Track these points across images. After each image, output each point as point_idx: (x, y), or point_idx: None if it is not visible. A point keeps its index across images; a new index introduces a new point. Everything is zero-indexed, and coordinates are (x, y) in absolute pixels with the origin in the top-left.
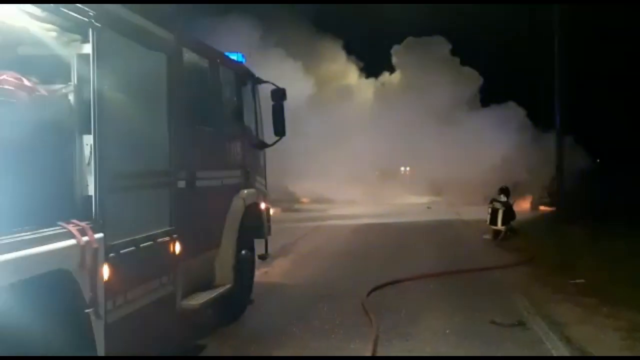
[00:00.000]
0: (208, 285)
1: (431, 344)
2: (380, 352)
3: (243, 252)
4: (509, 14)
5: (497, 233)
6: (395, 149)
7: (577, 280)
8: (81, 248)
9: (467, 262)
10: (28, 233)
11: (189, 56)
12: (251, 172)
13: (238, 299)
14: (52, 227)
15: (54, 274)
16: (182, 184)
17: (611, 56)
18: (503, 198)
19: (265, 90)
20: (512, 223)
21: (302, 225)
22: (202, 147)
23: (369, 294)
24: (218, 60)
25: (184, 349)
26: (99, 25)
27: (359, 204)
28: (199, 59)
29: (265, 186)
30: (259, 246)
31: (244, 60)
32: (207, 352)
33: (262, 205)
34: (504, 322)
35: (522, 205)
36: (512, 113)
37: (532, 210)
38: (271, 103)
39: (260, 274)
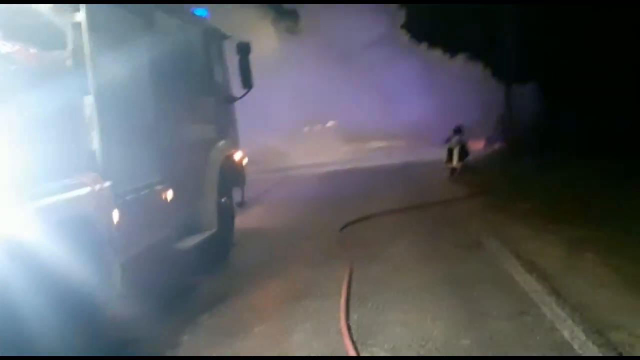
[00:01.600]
0: (195, 230)
1: (401, 264)
2: (356, 276)
3: (223, 199)
4: None
5: (453, 170)
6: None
7: (524, 205)
8: (95, 195)
9: (428, 197)
10: (52, 183)
11: (163, 18)
12: (224, 124)
13: (222, 242)
14: (68, 177)
15: (77, 217)
16: (167, 138)
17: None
18: (457, 137)
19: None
20: (467, 159)
21: (269, 176)
22: (181, 104)
23: (341, 229)
24: (189, 20)
25: (180, 287)
26: None
27: (318, 154)
28: (172, 19)
29: (237, 136)
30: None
31: (207, 16)
32: (199, 289)
33: (237, 156)
34: (463, 244)
35: (477, 145)
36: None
37: (485, 148)
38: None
39: (238, 221)
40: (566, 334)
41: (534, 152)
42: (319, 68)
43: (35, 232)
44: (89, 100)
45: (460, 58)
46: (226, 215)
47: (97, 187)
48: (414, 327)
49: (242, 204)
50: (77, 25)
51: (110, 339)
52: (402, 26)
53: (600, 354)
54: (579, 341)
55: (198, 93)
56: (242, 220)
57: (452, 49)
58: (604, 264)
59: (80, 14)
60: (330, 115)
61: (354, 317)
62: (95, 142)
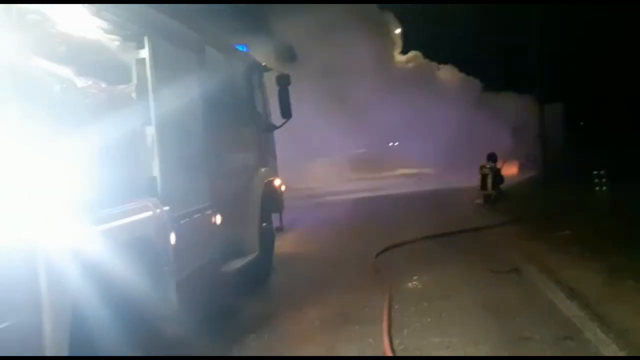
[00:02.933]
0: (239, 254)
1: (439, 290)
2: (397, 301)
3: (264, 224)
4: None
5: (487, 197)
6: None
7: (563, 233)
8: (156, 219)
9: (462, 224)
10: (119, 207)
11: (211, 52)
12: (265, 152)
13: (263, 266)
14: (132, 202)
15: (140, 239)
16: (216, 165)
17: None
18: (491, 164)
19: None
20: (501, 186)
21: (302, 203)
22: (228, 133)
23: (377, 255)
24: (233, 54)
25: (226, 309)
26: (153, 33)
27: (350, 181)
28: (219, 53)
29: (276, 164)
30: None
31: (248, 50)
32: (244, 310)
33: (277, 183)
34: (501, 270)
35: (510, 171)
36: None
37: (519, 175)
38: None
39: (276, 246)
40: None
41: (567, 179)
42: (342, 100)
43: (104, 252)
44: (151, 131)
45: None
46: (267, 239)
47: (158, 211)
48: (458, 350)
49: (280, 229)
50: (141, 61)
51: (164, 352)
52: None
53: None
54: None
55: (242, 122)
56: (280, 245)
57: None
58: None
59: (145, 50)
60: (358, 143)
61: (396, 341)
62: (155, 169)
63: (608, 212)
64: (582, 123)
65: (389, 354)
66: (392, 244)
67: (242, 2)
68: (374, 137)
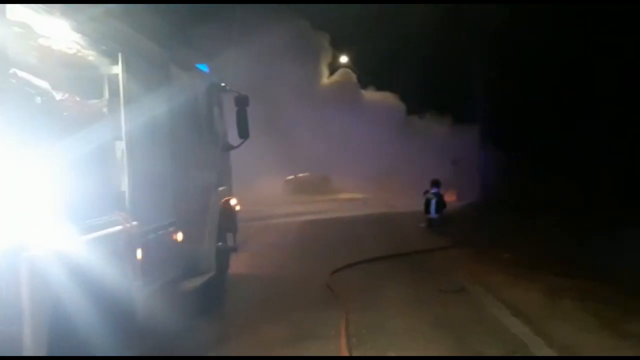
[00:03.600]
0: (197, 272)
1: (392, 308)
2: (350, 319)
3: (219, 243)
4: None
5: (431, 221)
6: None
7: (504, 255)
8: (125, 233)
9: (409, 246)
10: (90, 219)
11: (176, 71)
12: (223, 172)
13: (218, 285)
14: (103, 216)
15: (109, 252)
16: (179, 183)
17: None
18: (435, 189)
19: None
20: (444, 211)
21: (248, 224)
22: (190, 151)
23: (332, 274)
24: (196, 74)
25: (185, 327)
26: (126, 50)
27: (294, 204)
28: (183, 72)
29: (231, 184)
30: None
31: (207, 70)
32: (202, 329)
33: (232, 202)
34: (449, 290)
35: (450, 197)
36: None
37: (458, 202)
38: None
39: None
40: None
41: (505, 206)
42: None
43: (73, 265)
44: (121, 145)
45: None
46: (222, 259)
47: (127, 225)
48: None
49: (234, 250)
50: (114, 77)
51: None
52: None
53: None
54: None
55: (203, 141)
56: (233, 265)
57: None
58: (582, 309)
59: (118, 67)
60: (301, 167)
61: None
62: (124, 183)
63: (543, 237)
64: (515, 154)
65: None
66: (344, 264)
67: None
68: (316, 162)
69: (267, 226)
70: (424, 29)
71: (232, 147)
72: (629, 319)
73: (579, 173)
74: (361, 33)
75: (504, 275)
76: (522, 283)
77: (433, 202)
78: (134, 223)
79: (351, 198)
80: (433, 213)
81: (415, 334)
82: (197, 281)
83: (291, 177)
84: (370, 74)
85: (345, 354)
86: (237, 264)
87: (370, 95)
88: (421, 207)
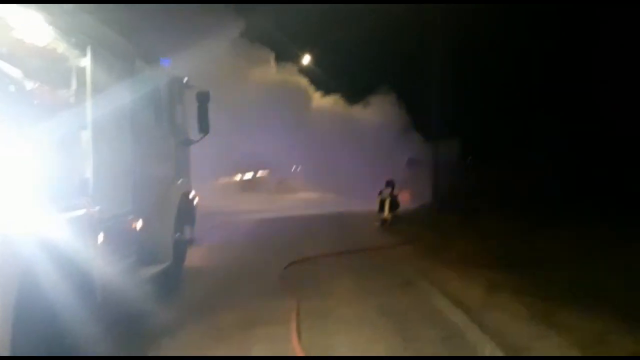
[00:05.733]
0: (154, 261)
1: (342, 299)
2: (302, 308)
3: (177, 235)
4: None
5: (384, 220)
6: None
7: (451, 252)
8: (88, 217)
9: (361, 244)
10: (57, 203)
11: (140, 64)
12: (182, 165)
13: (174, 275)
14: (69, 200)
15: (72, 235)
16: (140, 172)
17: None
18: (389, 189)
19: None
20: (397, 211)
21: (206, 219)
22: (152, 143)
23: (285, 267)
24: (159, 68)
25: (140, 313)
26: (95, 42)
27: (252, 202)
28: (147, 67)
29: (190, 177)
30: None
31: (170, 65)
32: (158, 315)
33: (191, 195)
34: (396, 282)
35: (405, 197)
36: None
37: (411, 202)
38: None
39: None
40: (487, 353)
41: (455, 207)
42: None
43: (36, 246)
44: (87, 134)
45: (389, 114)
46: (179, 250)
47: (91, 210)
48: (357, 349)
49: (191, 242)
50: (82, 69)
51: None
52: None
53: None
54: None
55: (163, 134)
56: (190, 259)
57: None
58: (517, 302)
59: (86, 59)
60: (258, 164)
61: (304, 341)
62: (88, 170)
63: (489, 236)
64: (470, 158)
65: (298, 351)
66: (298, 258)
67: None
68: (276, 161)
69: (225, 222)
70: (382, 31)
71: (192, 142)
72: (559, 311)
73: (530, 172)
74: (323, 35)
75: (449, 271)
76: (465, 278)
77: (387, 201)
78: (97, 208)
79: (308, 198)
80: (386, 212)
81: (362, 321)
82: (154, 269)
83: (249, 176)
84: (331, 76)
85: (295, 337)
86: (195, 257)
87: (324, 98)
88: (376, 206)
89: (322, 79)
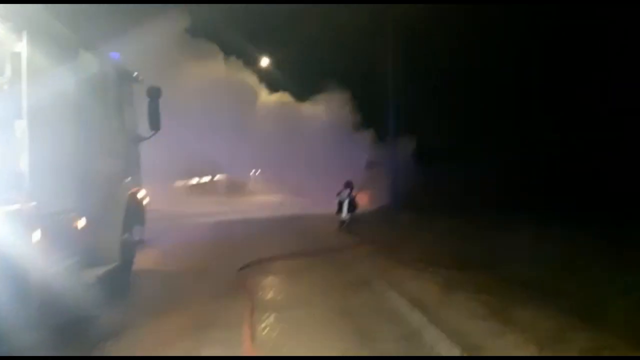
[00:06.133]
0: (99, 262)
1: (299, 300)
2: (259, 310)
3: (125, 235)
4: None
5: (343, 221)
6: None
7: (409, 252)
8: (23, 213)
9: (319, 245)
10: None
11: (84, 54)
12: (131, 162)
13: (122, 277)
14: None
15: (6, 230)
16: (83, 168)
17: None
18: (347, 191)
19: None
20: (356, 212)
21: (159, 222)
22: (97, 138)
23: (240, 269)
24: (107, 61)
25: (85, 315)
26: (32, 29)
27: (210, 204)
28: (92, 56)
29: (141, 176)
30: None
31: (120, 59)
32: (103, 318)
33: (141, 194)
34: (353, 282)
35: (364, 199)
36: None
37: (370, 203)
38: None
39: (136, 260)
40: (443, 352)
41: (413, 208)
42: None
43: None
44: (21, 124)
45: (343, 113)
46: (128, 251)
47: (26, 205)
48: (315, 349)
49: (141, 243)
50: (17, 55)
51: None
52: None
53: None
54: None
55: (111, 129)
56: (142, 261)
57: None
58: (473, 299)
59: (21, 44)
60: (216, 168)
61: (258, 343)
62: (24, 163)
63: (446, 235)
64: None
65: (251, 353)
66: (255, 260)
67: None
68: (234, 164)
69: (180, 225)
70: (336, 32)
71: (142, 139)
72: (514, 309)
73: (488, 175)
74: (275, 32)
75: (406, 270)
76: (422, 277)
77: (345, 203)
78: (33, 204)
79: (267, 200)
80: (345, 213)
81: (319, 321)
82: (99, 271)
83: (206, 179)
84: (283, 74)
85: (249, 340)
86: (147, 259)
87: (274, 96)
88: (335, 208)
89: (273, 77)
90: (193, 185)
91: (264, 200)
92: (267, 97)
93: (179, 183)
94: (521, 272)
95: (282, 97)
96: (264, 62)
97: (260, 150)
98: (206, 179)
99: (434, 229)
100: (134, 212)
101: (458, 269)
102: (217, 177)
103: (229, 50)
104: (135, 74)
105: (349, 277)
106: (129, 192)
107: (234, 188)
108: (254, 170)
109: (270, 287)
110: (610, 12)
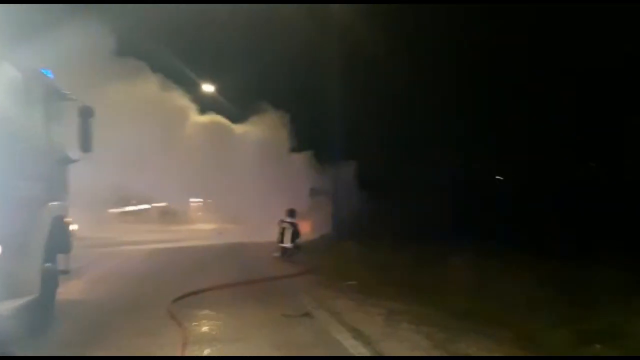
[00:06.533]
0: (16, 293)
1: (237, 333)
2: (192, 343)
3: (48, 264)
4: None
5: (285, 250)
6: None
7: (350, 282)
8: None
9: (259, 274)
10: None
11: (10, 71)
12: (57, 186)
13: (43, 310)
14: None
15: None
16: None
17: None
18: (290, 219)
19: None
20: (298, 241)
21: (90, 251)
22: (17, 158)
23: (174, 301)
24: (34, 77)
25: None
26: None
27: (147, 232)
28: (19, 74)
29: (68, 201)
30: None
31: (51, 76)
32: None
33: (67, 220)
34: (294, 314)
35: (306, 227)
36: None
37: (312, 232)
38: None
39: (61, 291)
40: None
41: (357, 237)
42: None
43: None
44: None
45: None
46: (49, 281)
47: None
48: None
49: (66, 272)
50: None
51: None
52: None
53: None
54: None
55: (33, 149)
56: (66, 291)
57: None
58: (416, 332)
59: None
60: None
61: None
62: None
63: (388, 265)
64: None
65: None
66: (189, 291)
67: None
68: (173, 191)
69: (113, 253)
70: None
71: (71, 160)
72: (458, 340)
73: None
74: (224, 61)
75: (348, 301)
76: (364, 308)
77: (287, 231)
78: None
79: (207, 229)
80: (287, 242)
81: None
82: (16, 303)
83: (144, 207)
84: (238, 105)
85: None
86: (73, 290)
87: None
88: (276, 236)
89: (206, 97)
90: (129, 213)
91: (203, 229)
92: (198, 118)
93: (115, 210)
94: (465, 300)
95: (214, 119)
96: (198, 81)
97: (197, 176)
98: (143, 206)
99: (376, 259)
100: (58, 238)
101: (401, 298)
102: (155, 204)
103: (158, 68)
104: (67, 92)
105: (289, 308)
106: (53, 217)
107: (172, 216)
108: (193, 198)
109: (206, 320)
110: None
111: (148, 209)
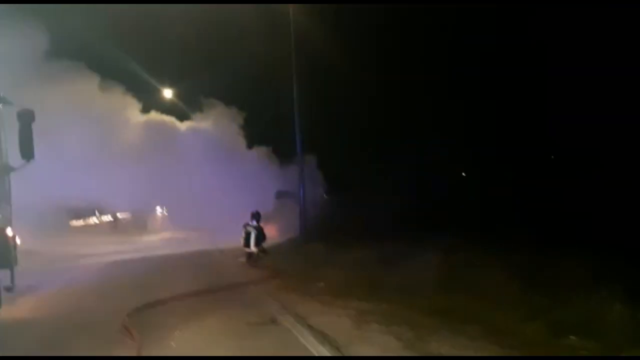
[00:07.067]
0: None
1: (201, 345)
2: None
3: None
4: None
5: (250, 254)
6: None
7: (318, 284)
8: None
9: (224, 280)
10: None
11: None
12: None
13: None
14: None
15: None
16: None
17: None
18: (254, 222)
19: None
20: (263, 244)
21: (44, 265)
22: None
23: (129, 314)
24: None
25: None
26: None
27: (109, 243)
28: None
29: (11, 212)
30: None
31: None
32: None
33: (9, 232)
34: (259, 321)
35: (272, 230)
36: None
37: (279, 235)
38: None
39: (5, 310)
40: None
41: (323, 238)
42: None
43: None
44: None
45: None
46: None
47: None
48: None
49: (10, 289)
50: None
51: None
52: None
53: None
54: None
55: None
56: (13, 309)
57: None
58: (386, 332)
59: None
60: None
61: None
62: None
63: (356, 266)
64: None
65: None
66: (148, 302)
67: None
68: (138, 201)
69: (69, 267)
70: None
71: (11, 169)
72: (428, 339)
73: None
74: (185, 66)
75: (316, 304)
76: (332, 310)
77: (252, 235)
78: None
79: (171, 237)
80: (252, 246)
81: None
82: None
83: (105, 217)
84: (186, 102)
85: None
86: (21, 308)
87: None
88: (241, 241)
89: (153, 95)
90: (89, 225)
91: (166, 237)
92: (140, 118)
93: (74, 222)
94: (433, 298)
95: (156, 116)
96: (143, 80)
97: (152, 181)
98: (104, 217)
99: (343, 260)
100: (1, 253)
101: (369, 299)
102: (117, 215)
103: (99, 69)
104: (2, 94)
105: (255, 314)
106: None
107: (135, 226)
108: (155, 207)
109: (165, 331)
110: None
111: (111, 219)
